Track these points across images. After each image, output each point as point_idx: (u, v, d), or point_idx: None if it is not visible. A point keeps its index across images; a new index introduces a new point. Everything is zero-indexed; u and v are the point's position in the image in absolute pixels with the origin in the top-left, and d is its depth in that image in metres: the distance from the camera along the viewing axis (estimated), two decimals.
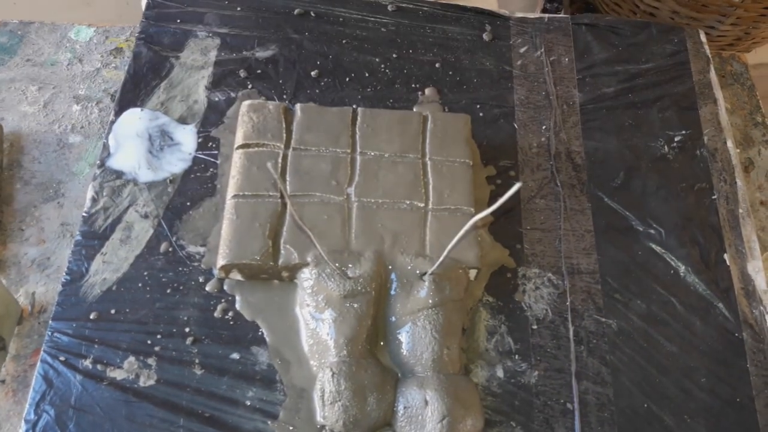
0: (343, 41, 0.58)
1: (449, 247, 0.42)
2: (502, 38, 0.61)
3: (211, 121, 0.54)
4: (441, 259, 0.43)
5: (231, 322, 0.45)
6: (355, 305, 0.44)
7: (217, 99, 0.55)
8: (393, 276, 0.45)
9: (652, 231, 0.52)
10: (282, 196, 0.48)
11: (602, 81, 0.59)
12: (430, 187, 0.49)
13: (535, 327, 0.47)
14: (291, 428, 0.42)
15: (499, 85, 0.58)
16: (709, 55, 0.61)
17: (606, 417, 0.44)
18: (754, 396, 0.46)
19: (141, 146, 0.52)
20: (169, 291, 0.46)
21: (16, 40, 0.61)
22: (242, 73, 0.57)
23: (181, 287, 0.46)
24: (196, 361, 0.44)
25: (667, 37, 0.63)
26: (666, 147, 0.56)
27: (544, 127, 0.56)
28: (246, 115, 0.51)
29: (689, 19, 0.86)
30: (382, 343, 0.45)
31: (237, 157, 0.50)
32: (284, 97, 0.56)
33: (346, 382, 0.41)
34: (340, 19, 0.61)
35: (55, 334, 0.44)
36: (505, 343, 0.46)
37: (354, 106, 0.52)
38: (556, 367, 0.46)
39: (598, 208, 0.52)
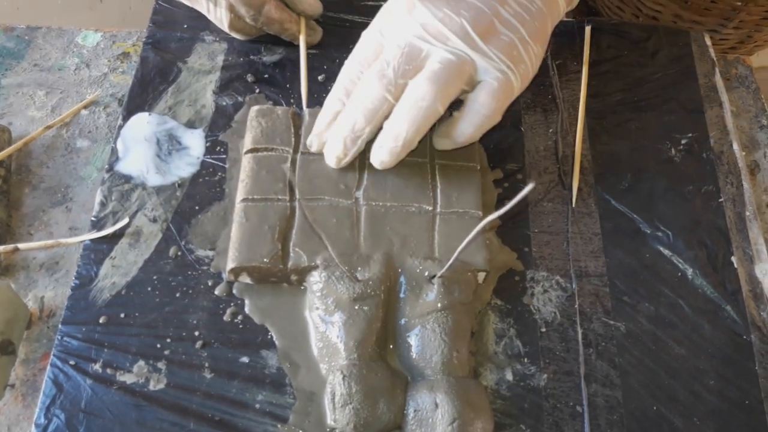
0: (350, 46, 0.58)
1: (459, 248, 0.42)
2: None
3: (219, 126, 0.54)
4: (451, 261, 0.43)
5: (240, 326, 0.45)
6: (365, 308, 0.44)
7: (224, 103, 0.56)
8: (402, 279, 0.46)
9: (660, 234, 0.52)
10: (291, 200, 0.48)
11: (608, 84, 0.59)
12: (438, 190, 0.49)
13: (543, 330, 0.47)
14: None
15: None
16: (715, 59, 0.62)
17: (615, 419, 0.44)
18: (762, 398, 0.46)
19: (149, 150, 0.52)
20: (178, 295, 0.46)
21: (23, 45, 0.61)
22: (249, 78, 0.57)
23: (190, 291, 0.47)
24: (206, 364, 0.44)
25: (672, 41, 0.63)
26: (672, 150, 0.56)
27: (550, 131, 0.56)
28: (255, 120, 0.51)
29: (692, 22, 0.86)
30: (391, 347, 0.45)
31: (246, 162, 0.50)
32: (291, 101, 0.56)
33: (357, 385, 0.41)
34: (347, 24, 0.61)
35: (65, 339, 0.44)
36: (514, 346, 0.46)
37: None
38: (565, 369, 0.46)
39: (606, 211, 0.53)
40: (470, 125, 0.48)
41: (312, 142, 0.50)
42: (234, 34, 0.57)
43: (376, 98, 0.46)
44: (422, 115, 0.45)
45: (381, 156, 0.48)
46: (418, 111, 0.45)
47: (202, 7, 0.54)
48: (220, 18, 0.55)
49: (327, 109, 0.49)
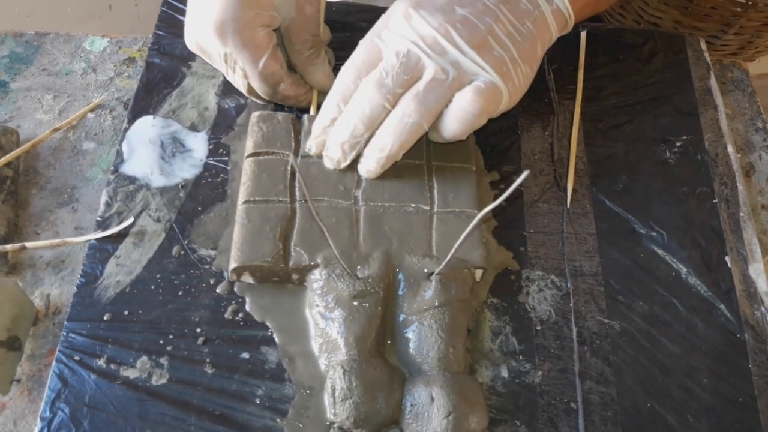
0: (350, 51, 0.59)
1: (458, 242, 0.43)
2: None
3: (222, 129, 0.55)
4: (449, 257, 0.44)
5: (241, 323, 0.46)
6: (365, 305, 0.45)
7: (227, 107, 0.57)
8: (401, 276, 0.47)
9: (654, 234, 0.52)
10: (292, 201, 0.49)
11: (604, 88, 0.60)
12: (435, 191, 0.50)
13: (539, 328, 0.48)
14: (300, 425, 0.43)
15: None
16: (710, 62, 0.62)
17: (609, 416, 0.45)
18: (756, 396, 0.46)
19: (153, 153, 0.53)
20: (180, 293, 0.47)
21: (32, 50, 0.62)
22: None
23: (192, 289, 0.48)
24: (207, 360, 0.45)
25: (668, 46, 0.64)
26: (667, 152, 0.57)
27: (546, 133, 0.57)
28: (256, 125, 0.53)
29: (692, 28, 0.87)
30: (389, 342, 0.46)
31: (247, 165, 0.51)
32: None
33: (357, 380, 0.41)
34: (347, 35, 0.62)
35: (70, 335, 0.45)
36: (509, 344, 0.47)
37: None
38: (560, 367, 0.47)
39: (601, 211, 0.53)
40: (455, 122, 0.48)
41: (311, 147, 0.51)
42: (252, 98, 0.56)
43: (375, 106, 0.47)
44: (407, 131, 0.48)
45: (367, 166, 0.50)
46: (403, 127, 0.47)
47: (221, 69, 0.54)
48: (238, 84, 0.54)
49: (324, 114, 0.50)
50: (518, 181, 0.38)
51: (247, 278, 0.47)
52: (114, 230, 0.49)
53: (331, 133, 0.50)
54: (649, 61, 0.62)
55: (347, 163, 0.50)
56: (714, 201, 0.54)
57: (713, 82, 0.61)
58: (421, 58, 0.47)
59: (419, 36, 0.47)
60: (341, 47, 0.58)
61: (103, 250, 0.49)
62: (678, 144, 0.57)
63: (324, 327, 0.45)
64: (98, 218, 0.50)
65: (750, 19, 0.85)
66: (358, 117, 0.48)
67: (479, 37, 0.47)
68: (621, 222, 0.53)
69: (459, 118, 0.48)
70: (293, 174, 0.50)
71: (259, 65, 0.51)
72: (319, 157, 0.51)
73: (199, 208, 0.51)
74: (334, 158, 0.50)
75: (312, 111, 0.55)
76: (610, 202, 0.54)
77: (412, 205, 0.50)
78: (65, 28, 0.64)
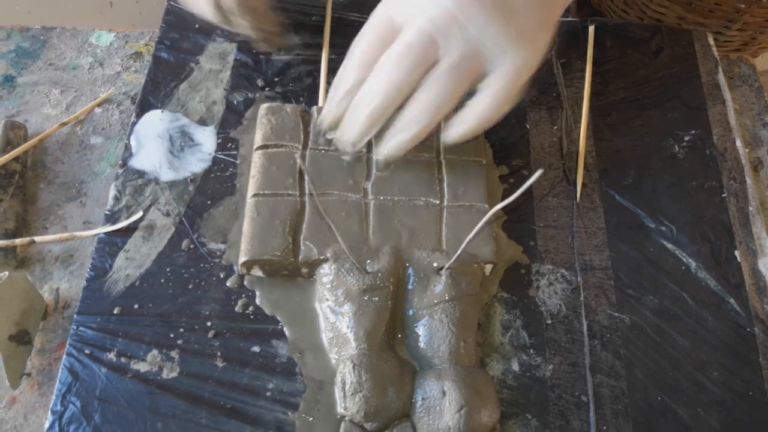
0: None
1: (468, 239, 0.43)
2: None
3: (230, 123, 0.55)
4: (459, 252, 0.44)
5: (251, 317, 0.46)
6: (374, 299, 0.45)
7: (235, 101, 0.57)
8: (410, 270, 0.47)
9: (664, 228, 0.52)
10: (301, 194, 0.49)
11: (612, 82, 0.60)
12: (445, 184, 0.50)
13: (549, 322, 0.48)
14: (311, 419, 0.43)
15: None
16: (717, 58, 0.62)
17: (620, 409, 0.45)
18: (766, 389, 0.46)
19: (162, 147, 0.53)
20: (190, 286, 0.47)
21: (38, 45, 0.62)
22: (259, 76, 0.58)
23: (202, 283, 0.47)
24: (218, 354, 0.45)
25: (675, 40, 0.64)
26: (676, 146, 0.57)
27: (555, 128, 0.57)
28: (264, 117, 0.52)
29: (696, 24, 0.87)
30: (399, 336, 0.45)
31: (256, 158, 0.51)
32: (301, 99, 0.57)
33: (367, 374, 0.41)
34: (355, 24, 0.62)
35: (80, 328, 0.45)
36: (520, 338, 0.47)
37: None
38: (571, 360, 0.47)
39: (610, 205, 0.53)
40: (487, 107, 0.47)
41: (326, 116, 0.49)
42: (216, 18, 0.53)
43: (394, 83, 0.45)
44: (431, 113, 0.46)
45: (387, 148, 0.48)
46: (427, 109, 0.46)
47: None
48: None
49: (345, 79, 0.48)
50: (531, 179, 0.38)
51: (257, 272, 0.47)
52: (123, 224, 0.49)
53: (352, 106, 0.47)
54: (656, 55, 0.62)
55: (364, 141, 0.48)
56: (723, 195, 0.54)
57: (721, 77, 0.61)
58: (438, 37, 0.45)
59: (442, 9, 0.44)
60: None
61: (112, 244, 0.49)
62: (686, 138, 0.57)
63: (334, 321, 0.45)
64: (107, 212, 0.50)
65: (754, 15, 0.85)
66: (384, 88, 0.46)
67: (502, 8, 0.45)
68: (630, 216, 0.53)
69: (489, 106, 0.46)
70: (303, 162, 0.50)
71: None
72: (329, 149, 0.51)
73: (209, 202, 0.51)
74: (355, 131, 0.48)
75: (320, 102, 0.55)
76: (620, 196, 0.54)
77: (422, 198, 0.50)
78: (67, 24, 0.64)
